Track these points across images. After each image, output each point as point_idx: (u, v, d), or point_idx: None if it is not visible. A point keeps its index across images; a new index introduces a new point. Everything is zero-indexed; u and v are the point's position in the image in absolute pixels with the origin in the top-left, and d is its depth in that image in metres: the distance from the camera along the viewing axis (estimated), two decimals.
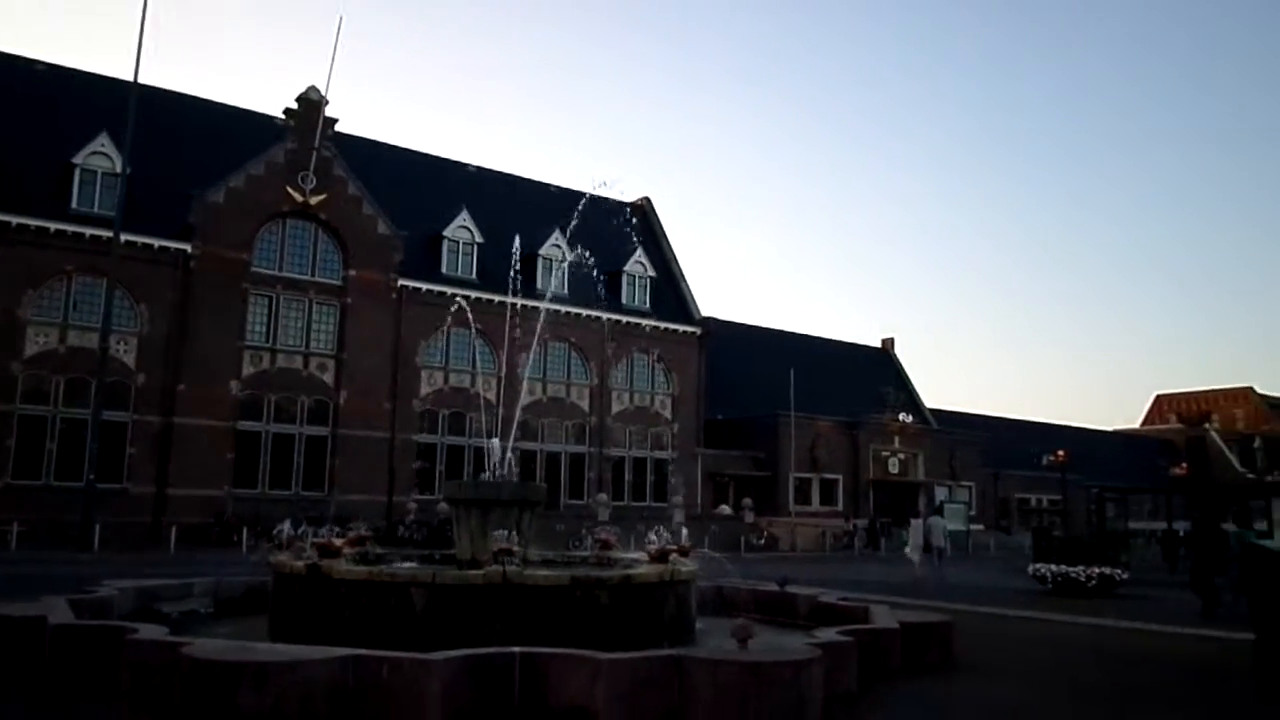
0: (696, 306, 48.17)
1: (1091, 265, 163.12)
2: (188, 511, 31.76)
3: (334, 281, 36.91)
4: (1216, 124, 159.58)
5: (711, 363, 47.65)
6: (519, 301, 31.32)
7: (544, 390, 41.88)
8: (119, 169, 31.08)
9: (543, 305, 34.36)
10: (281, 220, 36.08)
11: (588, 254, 26.87)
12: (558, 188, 47.48)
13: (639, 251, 45.42)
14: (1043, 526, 44.18)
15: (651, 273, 46.40)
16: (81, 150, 32.90)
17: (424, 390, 38.79)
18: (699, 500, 45.19)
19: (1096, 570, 20.21)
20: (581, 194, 21.13)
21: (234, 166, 34.97)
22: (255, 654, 6.75)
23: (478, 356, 39.39)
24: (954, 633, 10.55)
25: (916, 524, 27.73)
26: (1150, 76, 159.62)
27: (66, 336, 31.99)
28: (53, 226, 31.61)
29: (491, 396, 37.21)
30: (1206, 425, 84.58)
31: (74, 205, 32.52)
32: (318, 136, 36.08)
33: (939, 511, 35.56)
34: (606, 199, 35.69)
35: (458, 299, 34.13)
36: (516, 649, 7.16)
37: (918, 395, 62.91)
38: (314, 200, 36.12)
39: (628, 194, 50.11)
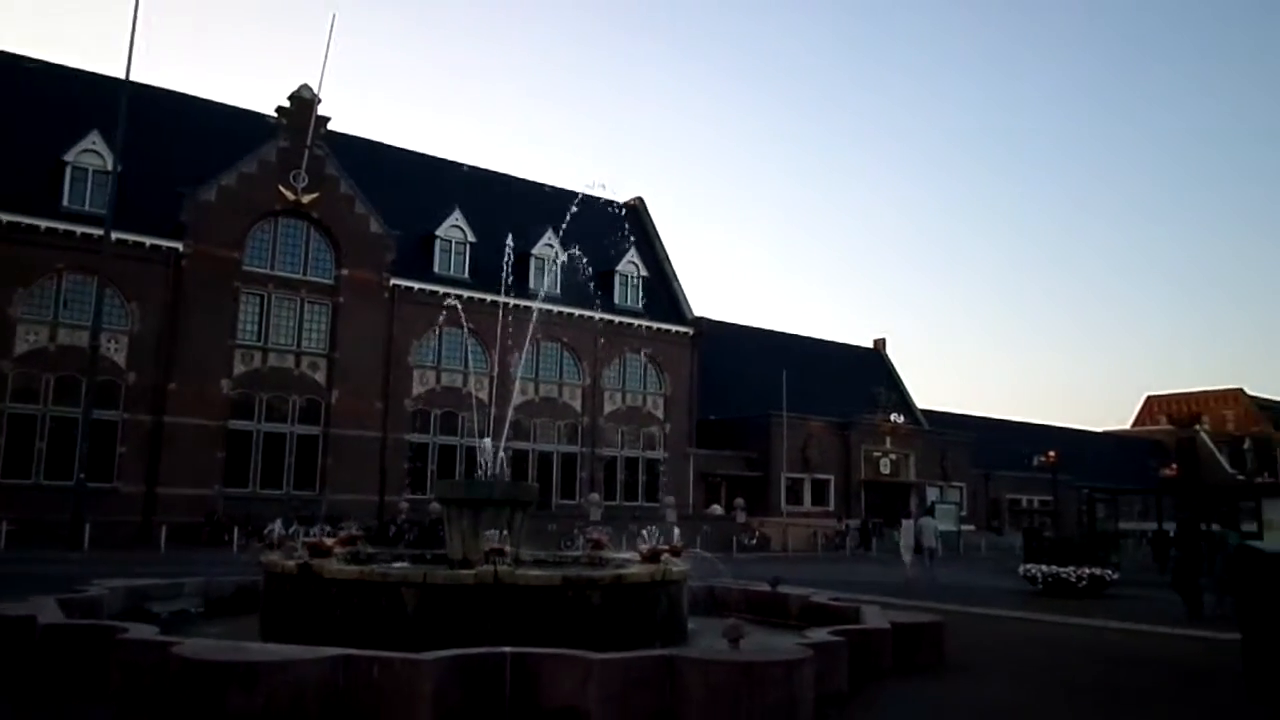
0: (689, 306, 48.19)
1: (1083, 267, 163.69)
2: (178, 511, 31.65)
3: (326, 280, 36.83)
4: (1209, 125, 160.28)
5: (704, 363, 47.67)
6: (511, 301, 31.31)
7: (536, 390, 41.85)
8: (110, 167, 30.98)
9: (535, 305, 34.16)
10: (273, 219, 35.98)
11: (580, 254, 26.88)
12: (551, 187, 47.47)
13: (632, 251, 45.41)
14: (1033, 527, 44.34)
15: (644, 273, 46.40)
16: (73, 148, 32.75)
17: (416, 390, 38.72)
18: (691, 500, 45.19)
19: (1087, 571, 20.29)
20: (574, 194, 21.16)
21: (226, 165, 34.85)
22: (246, 654, 6.74)
23: (470, 356, 39.34)
24: (945, 633, 10.58)
25: (908, 524, 27.77)
26: (1146, 78, 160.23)
27: (57, 335, 31.86)
28: (43, 224, 31.47)
29: (484, 396, 37.19)
30: (1197, 426, 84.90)
31: (65, 203, 32.39)
32: (310, 135, 36.00)
33: (930, 512, 35.53)
34: (599, 199, 35.63)
35: (450, 298, 34.05)
36: (508, 649, 7.16)
37: (909, 396, 63.04)
38: (306, 199, 36.03)
39: (621, 194, 50.12)
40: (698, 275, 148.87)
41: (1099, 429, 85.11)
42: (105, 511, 29.39)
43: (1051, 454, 54.81)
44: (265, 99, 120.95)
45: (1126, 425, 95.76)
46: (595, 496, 39.99)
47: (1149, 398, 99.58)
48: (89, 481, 28.25)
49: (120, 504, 31.21)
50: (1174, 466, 72.33)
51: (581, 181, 60.13)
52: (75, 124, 32.85)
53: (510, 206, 42.97)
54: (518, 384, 38.21)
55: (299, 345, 36.22)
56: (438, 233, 40.25)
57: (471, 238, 40.56)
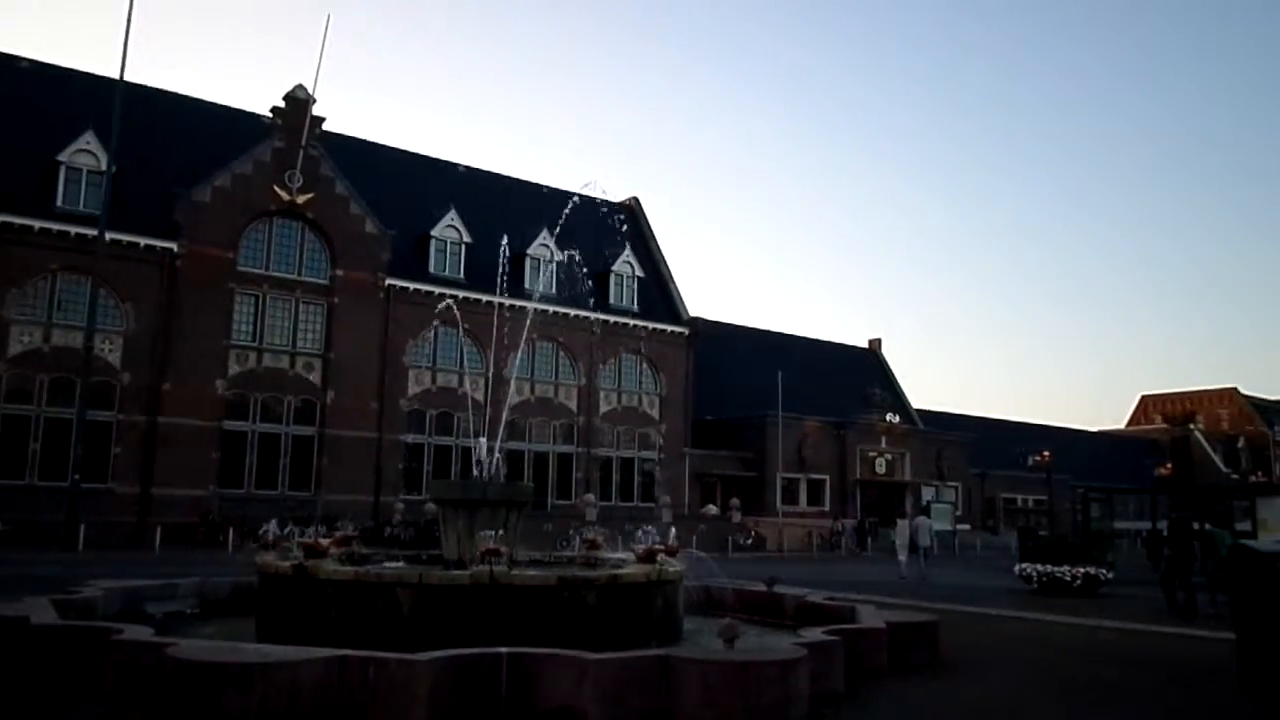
0: (684, 307, 48.20)
1: (1078, 266, 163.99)
2: (173, 511, 31.60)
3: (321, 281, 36.79)
4: (1206, 125, 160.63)
5: (699, 363, 47.70)
6: (507, 301, 31.34)
7: (532, 390, 41.84)
8: (104, 167, 30.92)
9: (530, 305, 34.36)
10: (268, 219, 35.94)
11: (576, 254, 26.85)
12: (546, 188, 47.46)
13: (627, 251, 45.43)
14: (1028, 526, 44.39)
15: (639, 273, 46.41)
16: (67, 148, 32.70)
17: (411, 390, 38.69)
18: (686, 500, 45.22)
19: (1082, 570, 20.31)
20: (570, 194, 21.18)
21: (220, 165, 34.82)
22: (241, 655, 6.73)
23: (465, 356, 39.32)
24: (940, 632, 10.59)
25: (903, 524, 27.84)
26: (1143, 79, 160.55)
27: (51, 335, 31.80)
28: (37, 225, 31.41)
29: (479, 396, 37.20)
30: (1191, 426, 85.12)
31: (59, 203, 32.34)
32: (305, 135, 35.94)
33: (925, 511, 35.66)
34: (595, 199, 35.65)
35: (445, 299, 34.06)
36: (503, 649, 7.15)
37: (905, 396, 63.14)
38: (301, 199, 35.99)
39: (616, 194, 50.09)
40: (693, 275, 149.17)
41: (1094, 428, 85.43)
42: (100, 512, 29.33)
43: (1046, 453, 55.00)
44: (260, 99, 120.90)
45: (1121, 425, 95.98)
46: (591, 497, 39.99)
47: (1144, 397, 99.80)
48: (83, 482, 28.24)
49: (115, 505, 31.17)
50: (1169, 466, 72.57)
51: (577, 182, 60.16)
52: (69, 124, 32.79)
53: (506, 207, 42.95)
54: (513, 384, 38.19)
55: (294, 346, 36.18)
56: (433, 233, 40.23)
57: (467, 238, 40.54)
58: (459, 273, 40.21)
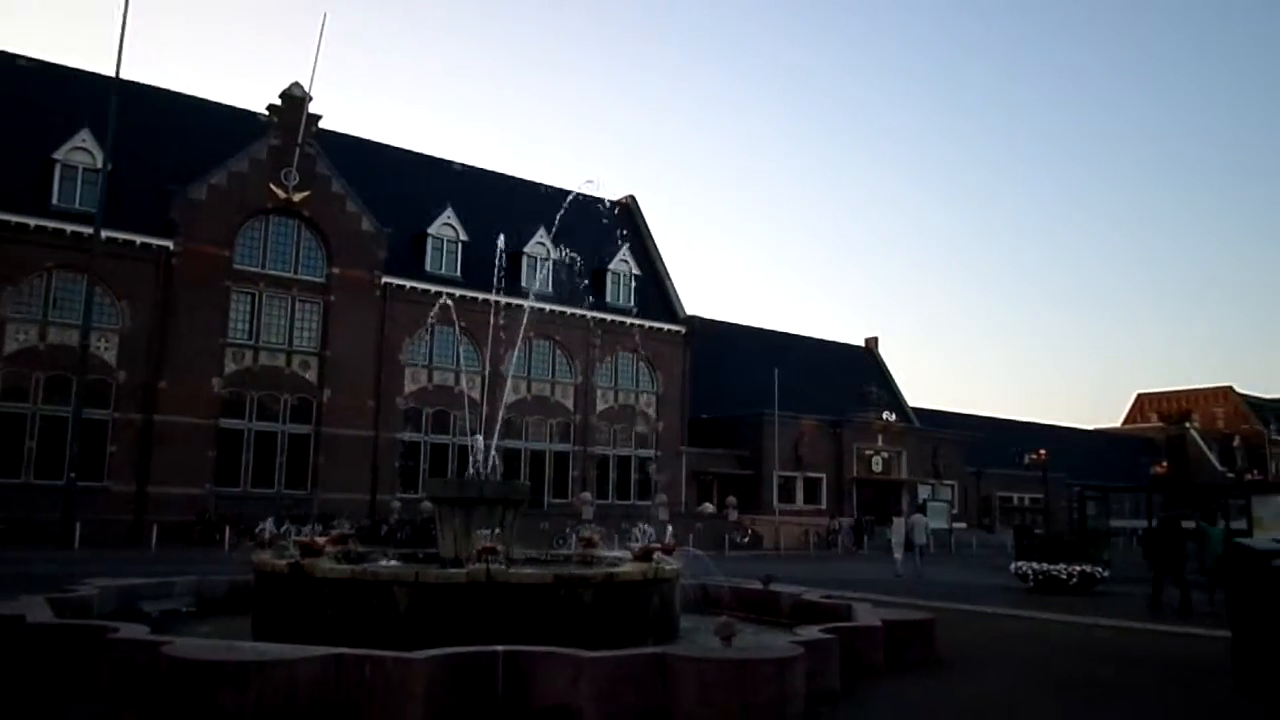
0: (681, 305, 48.21)
1: (1074, 265, 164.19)
2: (169, 510, 31.56)
3: (317, 279, 36.75)
4: (1202, 124, 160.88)
5: (696, 361, 47.69)
6: (503, 299, 31.32)
7: (528, 388, 41.83)
8: (100, 165, 30.88)
9: (527, 303, 34.31)
10: (264, 217, 35.90)
11: (573, 252, 26.85)
12: (543, 186, 47.37)
13: (624, 250, 45.40)
14: (1024, 525, 44.43)
15: (636, 271, 46.40)
16: (62, 146, 32.64)
17: (408, 388, 38.67)
18: (683, 499, 45.23)
19: (1077, 568, 20.36)
20: (567, 192, 21.15)
21: (217, 163, 34.76)
22: (237, 653, 6.72)
23: (462, 354, 39.30)
24: (936, 630, 10.60)
25: (899, 522, 27.90)
26: (1138, 76, 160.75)
27: (46, 333, 31.75)
28: (33, 223, 31.35)
29: (476, 395, 37.17)
30: (1187, 424, 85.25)
31: (54, 201, 32.28)
32: (301, 133, 35.89)
33: (921, 509, 35.74)
34: (592, 197, 35.61)
35: (442, 297, 34.05)
36: (499, 647, 7.15)
37: (901, 394, 63.18)
38: (297, 197, 35.95)
39: (613, 192, 50.13)
40: (690, 273, 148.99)
41: (1090, 427, 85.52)
42: (96, 511, 29.29)
43: (1042, 452, 55.06)
44: (256, 97, 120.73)
45: (1117, 423, 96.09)
46: (587, 495, 39.97)
47: (1139, 396, 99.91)
48: (79, 481, 28.22)
49: (111, 503, 31.12)
50: (1164, 464, 72.69)
51: (574, 180, 60.09)
52: (65, 122, 32.73)
53: (502, 205, 42.93)
54: (510, 382, 38.16)
55: (290, 344, 36.15)
56: (430, 231, 40.20)
57: (464, 236, 40.52)
58: (455, 271, 40.19)
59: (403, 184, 41.69)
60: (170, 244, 33.45)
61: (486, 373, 37.62)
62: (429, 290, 37.30)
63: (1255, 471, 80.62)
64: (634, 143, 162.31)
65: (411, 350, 38.85)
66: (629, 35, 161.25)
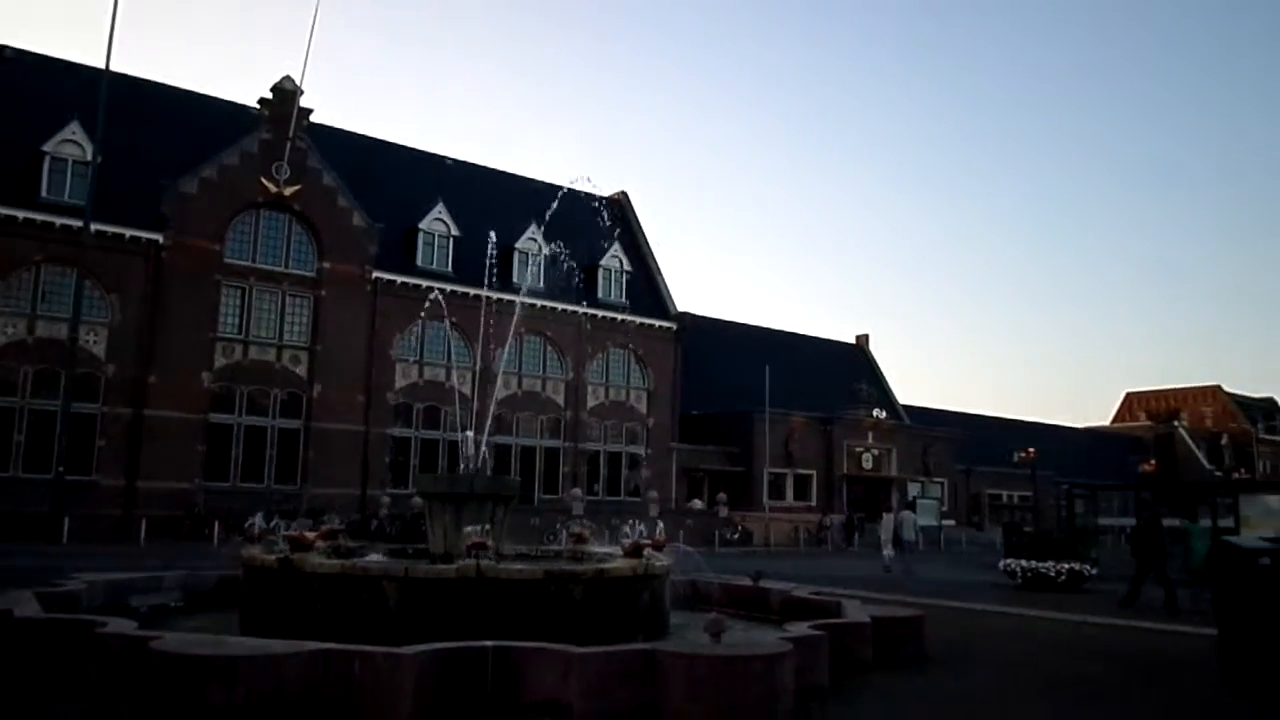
0: (673, 301, 48.20)
1: (1063, 264, 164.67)
2: (158, 504, 31.44)
3: (308, 273, 36.64)
4: (1186, 124, 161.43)
5: (687, 358, 47.69)
6: (495, 295, 31.22)
7: (519, 384, 41.79)
8: (90, 157, 30.71)
9: (518, 299, 34.09)
10: (255, 211, 35.76)
11: (564, 248, 26.81)
12: (535, 181, 47.24)
13: (615, 246, 45.34)
14: (1013, 522, 44.61)
15: (628, 267, 46.36)
16: (52, 138, 32.45)
17: (398, 383, 38.60)
18: (673, 495, 45.25)
19: (1066, 566, 20.44)
20: (559, 188, 21.04)
21: (207, 156, 34.61)
22: (225, 648, 6.70)
23: (453, 350, 39.21)
24: (926, 627, 10.63)
25: (888, 518, 27.98)
26: (1119, 75, 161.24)
27: (35, 327, 31.59)
28: (21, 215, 31.17)
29: (466, 390, 37.10)
30: (1175, 423, 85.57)
31: (43, 194, 32.09)
32: (292, 127, 35.73)
33: (910, 506, 35.80)
34: (583, 193, 35.53)
35: (433, 292, 33.93)
36: (489, 643, 7.15)
37: (891, 392, 63.28)
38: (288, 191, 35.81)
39: (605, 188, 50.03)
40: (682, 270, 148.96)
41: (1079, 425, 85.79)
42: (84, 505, 29.18)
43: (1031, 450, 55.22)
44: (248, 90, 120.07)
45: (1106, 421, 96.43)
46: (578, 491, 39.95)
47: (1128, 394, 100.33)
48: (68, 475, 28.10)
49: (100, 497, 31.00)
50: (1153, 462, 72.91)
51: (566, 176, 60.02)
52: (54, 114, 32.50)
53: (494, 200, 42.86)
54: (500, 378, 38.11)
55: (280, 338, 36.04)
56: (421, 226, 40.10)
57: (455, 231, 40.42)
58: (447, 266, 40.09)
59: (394, 178, 41.57)
60: (160, 237, 33.30)
61: (477, 368, 37.53)
62: (420, 285, 37.21)
63: (1243, 470, 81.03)
64: (627, 139, 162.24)
65: (402, 345, 38.77)
66: (622, 30, 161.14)
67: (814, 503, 49.95)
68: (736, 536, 40.93)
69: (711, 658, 7.02)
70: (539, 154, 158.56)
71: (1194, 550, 20.14)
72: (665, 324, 46.71)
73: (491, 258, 32.54)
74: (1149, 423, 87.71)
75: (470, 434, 12.61)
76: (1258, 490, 29.45)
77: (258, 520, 10.80)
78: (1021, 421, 72.92)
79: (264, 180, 35.33)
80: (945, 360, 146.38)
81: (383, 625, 8.18)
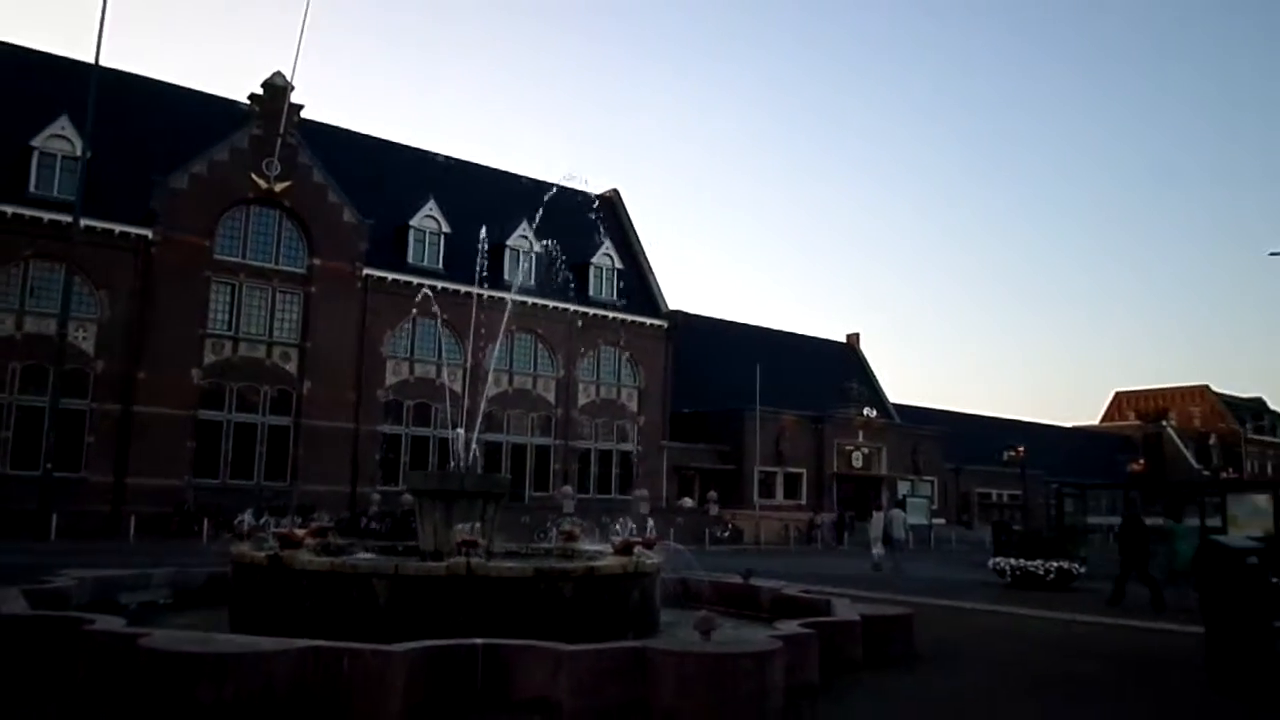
0: (664, 299, 48.19)
1: (1053, 264, 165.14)
2: (147, 501, 31.30)
3: (298, 270, 36.52)
4: (1178, 126, 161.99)
5: (678, 356, 47.69)
6: (485, 292, 31.15)
7: (510, 382, 41.72)
8: (79, 152, 30.56)
9: (509, 296, 34.13)
10: (245, 207, 35.63)
11: (556, 246, 26.78)
12: (526, 179, 47.15)
13: (607, 244, 45.29)
14: (1003, 521, 44.77)
15: (619, 265, 46.33)
16: (40, 133, 32.25)
17: (389, 380, 38.51)
18: (664, 493, 45.26)
19: (1055, 564, 20.51)
20: (550, 185, 21.04)
21: (197, 152, 34.45)
22: (214, 645, 6.68)
23: (443, 347, 39.10)
24: (915, 625, 10.66)
25: (877, 516, 28.04)
26: (1109, 76, 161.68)
27: (23, 323, 31.42)
28: (10, 210, 30.99)
29: (457, 388, 36.99)
30: (1164, 423, 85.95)
31: (32, 189, 31.90)
32: (283, 123, 35.60)
33: (900, 505, 35.90)
34: (575, 190, 35.47)
35: (424, 289, 33.88)
36: (479, 640, 7.15)
37: (882, 390, 63.40)
38: (278, 187, 35.69)
39: (596, 186, 50.02)
40: (673, 268, 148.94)
41: (1068, 424, 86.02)
42: (73, 502, 29.06)
43: (1021, 449, 55.42)
44: (238, 86, 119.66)
45: (1095, 421, 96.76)
46: (568, 489, 39.95)
47: (1117, 394, 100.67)
48: (56, 471, 27.94)
49: (88, 494, 30.85)
50: (1141, 462, 73.25)
51: (557, 173, 59.92)
52: (43, 109, 32.30)
53: (485, 197, 42.72)
54: (491, 375, 37.99)
55: (270, 335, 35.92)
56: (412, 223, 39.99)
57: (446, 228, 40.33)
58: (437, 263, 40.01)
59: (385, 175, 41.43)
60: (150, 233, 33.15)
61: (468, 366, 37.47)
62: (411, 282, 37.10)
63: (1230, 469, 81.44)
64: (618, 137, 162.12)
65: (393, 342, 38.69)
66: (613, 29, 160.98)
67: (804, 501, 50.00)
68: (727, 535, 40.95)
69: (701, 655, 7.03)
70: (531, 152, 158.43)
71: (1178, 551, 20.19)
72: (656, 322, 46.71)
73: (483, 255, 32.50)
74: (1138, 422, 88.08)
75: (461, 431, 12.59)
76: (1245, 490, 29.56)
77: (247, 517, 10.71)
78: (1011, 420, 73.11)
79: (254, 176, 35.20)
80: (936, 359, 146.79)
81: (372, 623, 8.18)
